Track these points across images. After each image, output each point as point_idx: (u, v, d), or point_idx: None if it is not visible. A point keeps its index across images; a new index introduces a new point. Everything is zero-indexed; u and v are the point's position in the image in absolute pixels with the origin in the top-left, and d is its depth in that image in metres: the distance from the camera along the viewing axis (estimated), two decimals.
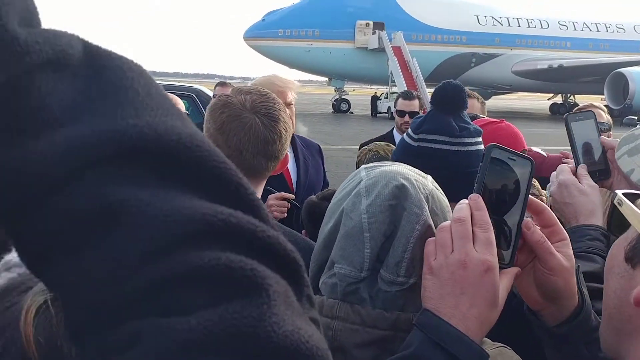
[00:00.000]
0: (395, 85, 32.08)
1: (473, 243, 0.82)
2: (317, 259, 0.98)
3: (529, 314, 0.97)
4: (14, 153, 0.35)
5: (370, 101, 34.48)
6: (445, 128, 1.49)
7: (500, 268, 0.85)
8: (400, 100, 4.56)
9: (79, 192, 0.36)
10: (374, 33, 35.38)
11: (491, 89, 41.77)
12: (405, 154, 1.54)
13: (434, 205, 0.94)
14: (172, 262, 0.36)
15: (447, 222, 0.85)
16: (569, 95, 41.80)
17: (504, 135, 2.37)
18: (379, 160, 3.34)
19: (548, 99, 46.73)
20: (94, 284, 0.35)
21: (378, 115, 31.53)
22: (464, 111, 1.54)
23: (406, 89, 31.82)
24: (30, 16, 0.39)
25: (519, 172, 0.89)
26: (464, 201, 0.86)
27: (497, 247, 0.85)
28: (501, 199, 0.89)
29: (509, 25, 39.20)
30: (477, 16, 38.59)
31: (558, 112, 37.26)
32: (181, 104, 3.87)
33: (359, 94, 53.26)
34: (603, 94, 33.19)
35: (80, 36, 0.40)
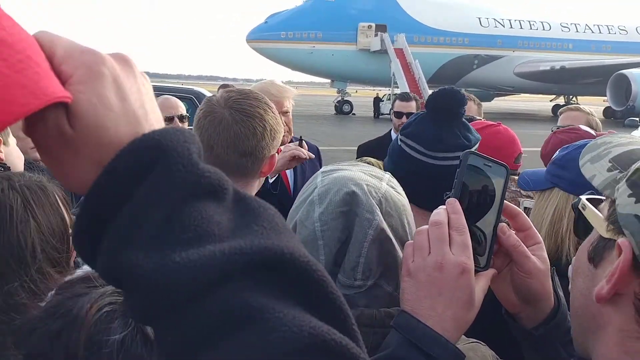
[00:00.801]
0: (397, 87, 32.05)
1: (450, 246, 0.84)
2: None
3: (507, 317, 0.99)
4: (190, 254, 0.43)
5: (372, 103, 34.47)
6: (422, 137, 1.47)
7: (477, 271, 0.87)
8: (397, 101, 4.61)
9: (224, 296, 0.43)
10: (376, 35, 35.38)
11: (493, 90, 41.73)
12: (391, 149, 1.57)
13: (388, 207, 0.95)
14: None
15: (425, 226, 0.87)
16: (571, 96, 41.75)
17: (501, 138, 2.38)
18: None
19: (550, 101, 46.68)
20: None
21: (380, 116, 31.53)
22: (460, 119, 1.50)
23: (409, 90, 31.75)
24: (200, 152, 0.49)
25: (495, 178, 0.92)
26: (442, 206, 0.88)
27: (473, 251, 0.87)
28: (477, 203, 0.91)
29: (511, 27, 39.17)
30: (479, 18, 38.57)
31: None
32: (182, 107, 3.90)
33: (362, 96, 53.21)
34: (605, 96, 33.18)
35: (230, 182, 0.50)
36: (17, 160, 2.20)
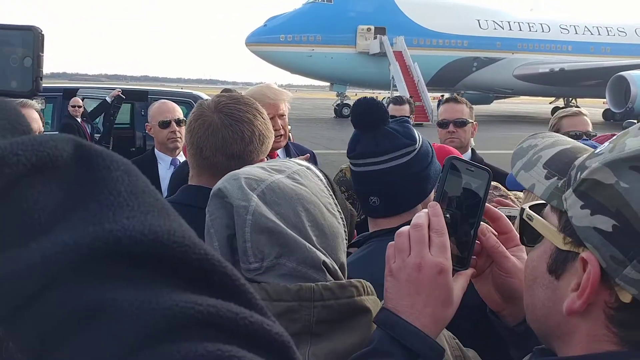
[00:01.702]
0: (396, 90, 32.11)
1: (429, 247, 0.89)
2: None
3: (491, 315, 1.04)
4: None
5: None
6: (367, 149, 1.55)
7: (457, 270, 0.93)
8: (391, 105, 4.61)
9: (58, 297, 0.37)
10: (375, 38, 35.44)
11: (493, 93, 41.80)
12: (354, 176, 1.65)
13: (274, 197, 1.01)
14: (147, 357, 0.37)
15: (406, 228, 0.91)
16: (570, 99, 41.81)
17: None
18: (344, 181, 3.40)
19: (550, 103, 46.75)
20: None
21: None
22: (386, 123, 1.58)
23: (408, 93, 31.73)
24: (12, 127, 0.42)
25: (477, 182, 0.96)
26: (425, 209, 0.93)
27: (454, 252, 0.92)
28: (459, 206, 0.95)
29: (510, 29, 39.24)
30: (478, 20, 38.64)
31: None
32: (179, 111, 3.91)
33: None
34: (605, 98, 33.21)
35: (71, 137, 0.42)
36: None
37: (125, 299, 0.38)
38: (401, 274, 0.90)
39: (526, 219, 0.82)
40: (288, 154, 3.04)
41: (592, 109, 44.25)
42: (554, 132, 3.33)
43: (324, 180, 1.11)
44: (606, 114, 36.58)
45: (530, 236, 0.82)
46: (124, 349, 0.37)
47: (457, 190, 0.96)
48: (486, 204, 0.98)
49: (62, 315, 0.38)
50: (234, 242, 1.00)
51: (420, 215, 0.92)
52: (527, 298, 0.84)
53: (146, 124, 4.01)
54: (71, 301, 0.38)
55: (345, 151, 1.62)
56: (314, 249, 0.98)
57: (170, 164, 3.75)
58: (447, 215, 0.93)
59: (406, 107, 4.57)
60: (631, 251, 0.68)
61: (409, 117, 4.49)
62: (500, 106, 50.99)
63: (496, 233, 1.02)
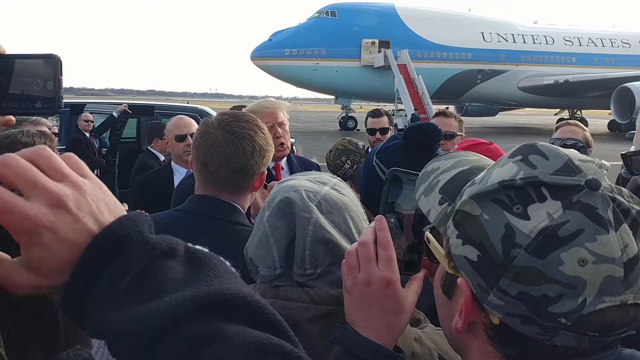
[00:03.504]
0: (401, 103, 32.22)
1: (377, 261, 0.94)
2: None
3: None
4: (151, 307, 0.58)
5: None
6: (398, 166, 1.62)
7: (409, 275, 0.98)
8: (369, 119, 4.64)
9: (186, 328, 0.58)
10: (379, 51, 35.60)
11: (497, 105, 41.81)
12: (366, 167, 1.67)
13: (328, 207, 1.11)
14: None
15: (354, 246, 0.96)
16: (575, 110, 41.79)
17: (491, 157, 2.45)
18: (346, 155, 3.47)
19: (555, 114, 46.71)
20: None
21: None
22: (433, 154, 1.60)
23: (412, 106, 31.66)
24: (153, 229, 0.64)
25: None
26: (371, 225, 0.97)
27: (405, 257, 0.98)
28: (408, 215, 1.00)
29: (514, 42, 39.36)
30: (482, 33, 38.79)
31: None
32: (195, 125, 4.01)
33: (366, 112, 53.33)
34: (610, 109, 33.18)
35: (182, 242, 0.66)
36: None
37: (230, 331, 0.58)
38: (354, 290, 0.95)
39: (425, 241, 0.88)
40: (290, 166, 3.10)
41: (597, 120, 44.15)
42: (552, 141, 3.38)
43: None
44: (611, 125, 36.54)
45: (432, 255, 0.87)
46: None
47: (401, 199, 1.01)
48: None
49: (188, 340, 0.57)
50: (291, 250, 1.09)
51: (367, 232, 0.96)
52: (438, 313, 0.89)
53: (164, 137, 4.21)
54: (194, 331, 0.58)
55: None
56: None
57: (186, 175, 3.85)
58: (393, 221, 0.98)
59: (384, 118, 4.62)
60: (492, 280, 0.72)
61: (388, 128, 4.54)
62: (505, 118, 51.00)
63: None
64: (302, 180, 1.17)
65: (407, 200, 1.01)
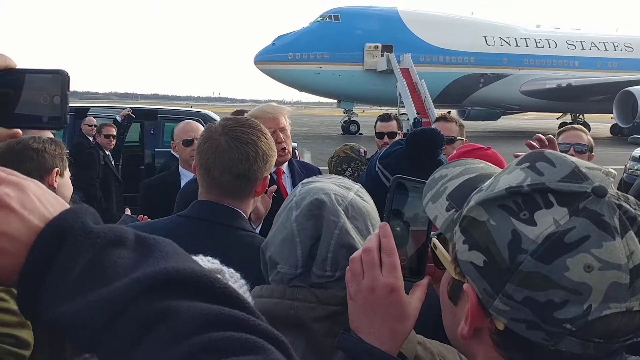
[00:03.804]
0: (403, 107, 32.25)
1: (381, 268, 0.94)
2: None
3: None
4: (101, 294, 0.59)
5: None
6: (397, 172, 1.62)
7: (413, 282, 0.99)
8: (378, 123, 4.70)
9: (137, 309, 0.59)
10: (382, 55, 35.66)
11: (500, 109, 41.81)
12: (369, 171, 1.67)
13: (354, 212, 1.14)
14: (203, 338, 0.57)
15: (359, 252, 0.97)
16: (578, 114, 41.77)
17: (490, 162, 2.45)
18: (347, 163, 3.50)
19: (557, 119, 46.70)
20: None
21: None
22: (435, 159, 1.63)
23: (415, 110, 31.67)
24: (98, 220, 0.66)
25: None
26: (375, 231, 0.98)
27: (409, 264, 0.98)
28: (409, 221, 1.01)
29: (517, 45, 39.37)
30: (485, 37, 38.82)
31: None
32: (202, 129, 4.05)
33: (369, 116, 53.44)
34: (612, 113, 33.17)
35: (133, 230, 0.67)
36: (67, 192, 2.35)
37: (181, 306, 0.59)
38: (358, 297, 0.95)
39: (432, 247, 0.89)
40: (292, 171, 3.11)
41: (599, 124, 44.14)
42: None
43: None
44: (614, 129, 36.52)
45: (438, 261, 0.88)
46: (184, 339, 0.57)
47: (405, 206, 1.01)
48: None
49: (140, 321, 0.58)
50: (313, 251, 1.11)
51: (371, 239, 0.97)
52: (443, 318, 0.90)
53: (171, 141, 4.28)
54: (145, 311, 0.59)
55: None
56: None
57: (190, 179, 3.88)
58: (398, 229, 0.99)
59: (393, 123, 4.65)
60: (497, 285, 0.73)
61: (396, 133, 4.57)
62: (508, 122, 50.98)
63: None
64: (329, 184, 1.19)
65: (412, 207, 1.01)
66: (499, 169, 0.88)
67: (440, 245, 0.86)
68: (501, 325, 0.75)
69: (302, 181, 1.22)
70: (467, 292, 0.77)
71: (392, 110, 33.85)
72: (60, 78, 0.76)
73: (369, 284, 0.94)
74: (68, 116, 0.78)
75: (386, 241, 0.95)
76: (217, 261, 0.94)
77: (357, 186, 1.23)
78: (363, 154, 3.68)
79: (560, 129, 3.62)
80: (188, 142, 3.99)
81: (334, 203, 1.12)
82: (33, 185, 0.65)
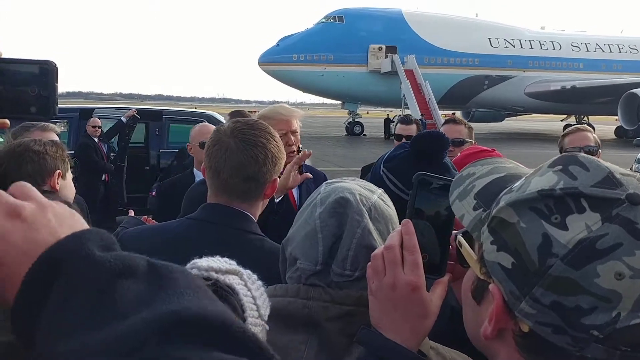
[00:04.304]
0: (407, 108, 32.22)
1: (403, 265, 0.94)
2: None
3: None
4: (102, 335, 0.51)
5: (383, 124, 34.65)
6: (403, 175, 1.60)
7: (434, 279, 0.98)
8: (398, 125, 4.71)
9: (144, 354, 0.50)
10: (386, 57, 35.64)
11: (504, 110, 41.73)
12: (373, 174, 1.68)
13: (376, 214, 1.14)
14: None
15: (380, 249, 0.97)
16: (582, 116, 41.66)
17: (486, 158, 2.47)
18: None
19: (561, 120, 46.59)
20: None
21: (391, 137, 31.61)
22: (440, 162, 1.64)
23: (419, 111, 31.57)
24: (107, 245, 0.59)
25: (447, 194, 1.00)
26: (398, 229, 0.98)
27: (430, 261, 0.97)
28: (432, 218, 1.01)
29: (522, 47, 39.31)
30: (489, 38, 38.77)
31: None
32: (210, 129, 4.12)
33: (373, 117, 53.40)
34: (617, 115, 33.07)
35: (146, 258, 0.60)
36: (69, 194, 2.36)
37: (189, 356, 0.51)
38: (379, 294, 0.95)
39: (457, 245, 0.88)
40: (300, 173, 3.12)
41: (604, 126, 43.95)
42: (560, 149, 3.34)
43: None
44: (618, 131, 36.41)
45: (462, 259, 0.88)
46: None
47: (428, 203, 1.01)
48: None
49: None
50: (334, 249, 1.10)
51: (393, 236, 0.96)
52: (463, 315, 0.89)
53: (187, 144, 4.39)
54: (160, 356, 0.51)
55: (357, 169, 1.69)
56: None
57: (197, 181, 3.93)
58: (420, 227, 0.98)
59: (413, 127, 4.64)
60: (525, 288, 0.72)
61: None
62: (512, 124, 50.91)
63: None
64: (353, 184, 1.19)
65: (434, 205, 1.01)
66: (527, 170, 0.87)
67: (466, 243, 0.86)
68: (526, 328, 0.74)
69: (327, 181, 1.23)
70: (492, 293, 0.77)
71: (396, 112, 33.79)
72: (48, 69, 0.76)
73: (390, 281, 0.94)
74: (57, 107, 0.78)
75: (408, 238, 0.95)
76: (234, 262, 0.93)
77: (380, 190, 1.23)
78: None
79: (565, 132, 3.60)
80: (204, 145, 4.04)
81: (358, 203, 1.12)
82: (58, 207, 0.62)
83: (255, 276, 0.94)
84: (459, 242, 0.87)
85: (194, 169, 4.12)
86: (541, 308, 0.71)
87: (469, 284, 0.85)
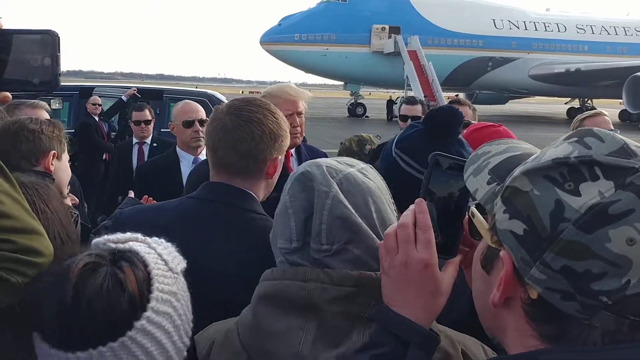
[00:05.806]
0: (410, 89, 32.09)
1: (415, 244, 0.95)
2: None
3: None
4: None
5: (385, 105, 34.52)
6: (418, 154, 1.55)
7: (446, 259, 0.99)
8: (403, 105, 4.69)
9: None
10: (389, 37, 35.42)
11: (508, 93, 41.58)
12: (386, 159, 1.63)
13: (349, 186, 1.10)
14: None
15: (393, 227, 0.97)
16: (586, 99, 41.47)
17: (500, 138, 2.43)
18: (347, 154, 3.43)
19: (565, 103, 46.41)
20: None
21: (394, 119, 31.55)
22: (456, 137, 1.59)
23: (422, 93, 31.51)
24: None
25: (461, 175, 0.98)
26: (411, 206, 0.98)
27: (442, 241, 0.98)
28: (445, 198, 1.01)
29: (526, 29, 39.01)
30: (493, 20, 38.47)
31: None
32: (202, 111, 3.97)
33: (375, 98, 53.24)
34: (621, 98, 32.91)
35: None
36: (64, 176, 2.30)
37: None
38: (392, 271, 0.96)
39: (470, 216, 0.90)
40: (299, 154, 3.09)
41: (608, 109, 43.35)
42: None
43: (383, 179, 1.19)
44: (622, 114, 36.26)
45: (474, 231, 0.89)
46: None
47: (442, 183, 1.01)
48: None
49: None
50: (309, 225, 1.08)
51: (407, 214, 0.97)
52: (472, 289, 0.90)
53: (169, 122, 4.09)
54: None
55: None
56: (379, 241, 1.04)
57: (192, 162, 3.81)
58: (434, 208, 0.98)
59: (418, 107, 4.63)
60: (536, 253, 0.73)
61: (421, 117, 4.54)
62: (515, 106, 50.72)
63: None
64: (329, 160, 1.18)
65: (447, 185, 1.01)
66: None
67: (479, 213, 0.86)
68: (534, 294, 0.74)
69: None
70: (503, 259, 0.77)
71: (399, 93, 33.65)
72: (50, 39, 0.74)
73: (403, 259, 0.95)
74: (60, 78, 0.76)
75: (422, 217, 0.96)
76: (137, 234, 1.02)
77: (365, 165, 1.20)
78: (367, 151, 3.63)
79: (583, 115, 3.58)
80: (188, 124, 3.85)
81: (325, 174, 1.10)
82: None
83: (162, 240, 1.02)
84: (472, 212, 0.88)
85: (177, 148, 3.90)
86: (551, 273, 0.72)
87: (479, 255, 0.85)
